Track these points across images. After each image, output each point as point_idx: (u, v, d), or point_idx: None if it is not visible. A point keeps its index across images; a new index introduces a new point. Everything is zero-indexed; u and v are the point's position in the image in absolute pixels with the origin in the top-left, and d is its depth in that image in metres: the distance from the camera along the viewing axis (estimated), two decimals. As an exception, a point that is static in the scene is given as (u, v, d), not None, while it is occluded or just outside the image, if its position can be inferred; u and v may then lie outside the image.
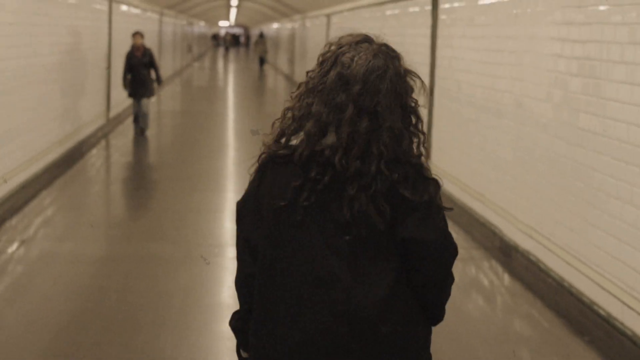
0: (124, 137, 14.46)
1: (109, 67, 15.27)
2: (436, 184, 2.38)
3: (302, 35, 27.38)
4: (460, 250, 2.52)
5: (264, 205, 2.42)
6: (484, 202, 7.92)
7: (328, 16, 20.51)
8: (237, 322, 2.55)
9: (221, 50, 61.89)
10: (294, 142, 2.39)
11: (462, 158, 8.78)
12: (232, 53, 59.16)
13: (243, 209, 2.50)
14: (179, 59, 35.19)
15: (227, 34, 68.47)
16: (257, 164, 2.46)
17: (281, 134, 2.43)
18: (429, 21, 10.34)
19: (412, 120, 2.40)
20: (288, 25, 33.54)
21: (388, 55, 2.39)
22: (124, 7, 17.21)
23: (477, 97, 8.27)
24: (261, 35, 40.05)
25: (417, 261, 2.36)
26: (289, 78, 31.59)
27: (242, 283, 2.51)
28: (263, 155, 2.44)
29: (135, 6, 19.18)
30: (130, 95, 14.00)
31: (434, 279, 2.40)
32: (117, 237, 7.56)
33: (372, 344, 2.33)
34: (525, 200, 6.90)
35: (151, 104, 18.99)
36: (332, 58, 2.39)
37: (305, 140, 2.35)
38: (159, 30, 25.47)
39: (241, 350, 2.58)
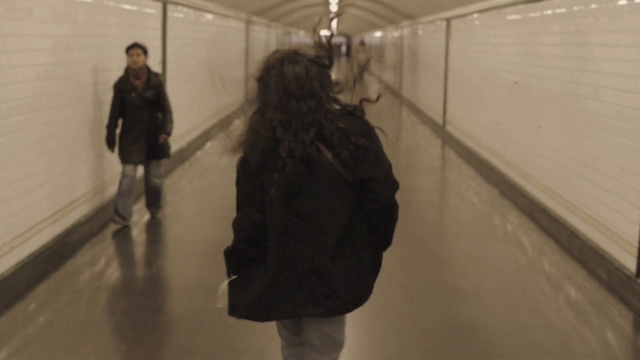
0: (169, 203, 10.54)
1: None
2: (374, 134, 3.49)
3: (413, 43, 23.30)
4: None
5: (263, 174, 3.39)
6: None
7: (448, 21, 16.40)
8: (233, 255, 3.47)
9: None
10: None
11: None
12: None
13: (242, 167, 3.41)
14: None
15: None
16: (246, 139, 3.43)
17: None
18: (644, 21, 6.19)
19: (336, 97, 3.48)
20: (395, 32, 29.49)
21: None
22: (186, 11, 13.42)
23: None
24: (362, 43, 36.89)
25: (372, 192, 3.42)
26: (394, 91, 27.56)
27: (246, 226, 3.42)
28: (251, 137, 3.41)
29: (207, 11, 15.41)
30: (125, 158, 8.04)
31: (384, 204, 3.43)
32: None
33: (340, 264, 3.39)
34: None
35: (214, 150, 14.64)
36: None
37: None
38: (246, 40, 21.76)
39: (230, 273, 3.50)
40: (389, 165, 3.45)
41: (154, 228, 8.41)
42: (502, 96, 11.43)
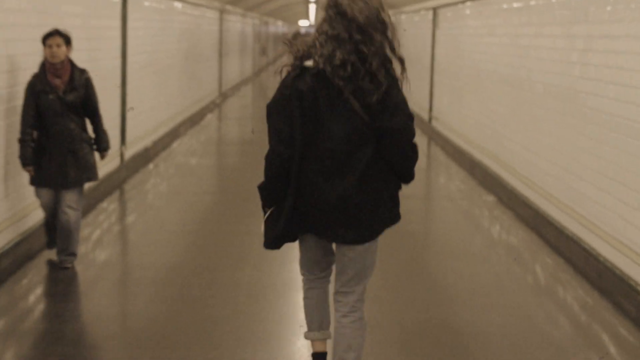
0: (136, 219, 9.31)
1: (123, 85, 10.37)
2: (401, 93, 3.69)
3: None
4: None
5: (293, 105, 3.60)
6: None
7: (435, 10, 15.31)
8: (265, 190, 3.72)
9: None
10: (307, 63, 3.66)
11: None
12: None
13: (274, 107, 3.65)
14: (250, 64, 30.42)
15: (305, 33, 64.26)
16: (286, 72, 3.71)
17: (301, 57, 3.67)
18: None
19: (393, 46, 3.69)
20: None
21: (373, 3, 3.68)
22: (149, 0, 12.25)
23: None
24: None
25: (388, 139, 3.66)
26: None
27: (277, 161, 3.63)
28: (289, 69, 3.69)
29: (177, -1, 14.23)
30: (37, 181, 6.31)
31: (400, 151, 3.70)
32: None
33: (363, 189, 3.64)
34: None
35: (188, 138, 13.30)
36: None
37: (320, 60, 3.61)
38: (219, 30, 20.58)
39: (265, 208, 3.79)
40: (409, 117, 3.69)
41: (100, 250, 7.23)
42: (498, 91, 10.35)
